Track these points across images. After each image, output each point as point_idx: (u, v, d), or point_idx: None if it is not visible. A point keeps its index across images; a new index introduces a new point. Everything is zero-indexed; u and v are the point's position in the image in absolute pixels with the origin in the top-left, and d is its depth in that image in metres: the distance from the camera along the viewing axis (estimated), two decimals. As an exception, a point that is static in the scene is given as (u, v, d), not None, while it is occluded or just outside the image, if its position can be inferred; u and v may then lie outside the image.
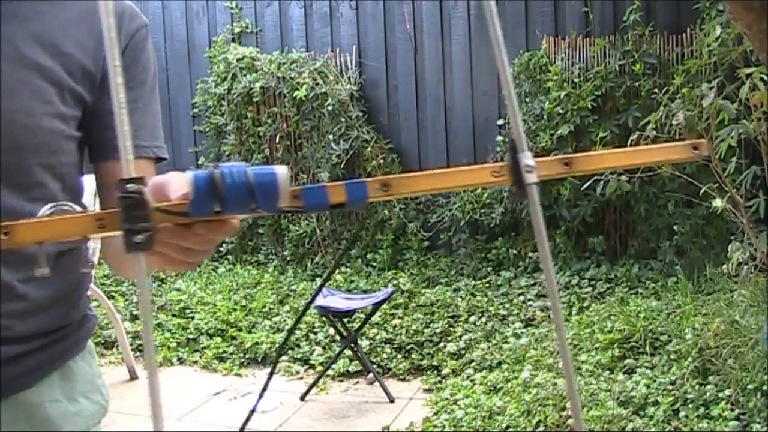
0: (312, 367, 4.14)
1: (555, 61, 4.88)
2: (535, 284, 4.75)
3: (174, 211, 0.62)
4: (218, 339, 4.46)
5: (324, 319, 4.18)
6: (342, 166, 5.32)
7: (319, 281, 5.08)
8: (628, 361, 3.52)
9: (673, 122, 3.71)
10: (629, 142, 4.10)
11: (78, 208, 0.75)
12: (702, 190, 3.88)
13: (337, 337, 4.07)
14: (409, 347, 4.17)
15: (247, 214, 0.64)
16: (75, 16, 1.05)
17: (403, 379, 3.97)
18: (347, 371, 4.02)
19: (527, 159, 0.58)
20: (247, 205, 0.62)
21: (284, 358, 4.26)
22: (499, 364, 3.78)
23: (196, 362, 4.31)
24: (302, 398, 3.78)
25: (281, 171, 0.63)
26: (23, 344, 1.04)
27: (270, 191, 0.62)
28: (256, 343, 4.34)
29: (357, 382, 3.96)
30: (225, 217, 0.67)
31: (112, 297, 4.88)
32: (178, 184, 0.68)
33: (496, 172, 0.60)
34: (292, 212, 0.63)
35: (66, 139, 1.04)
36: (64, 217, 0.60)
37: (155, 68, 1.15)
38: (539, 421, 3.11)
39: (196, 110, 6.03)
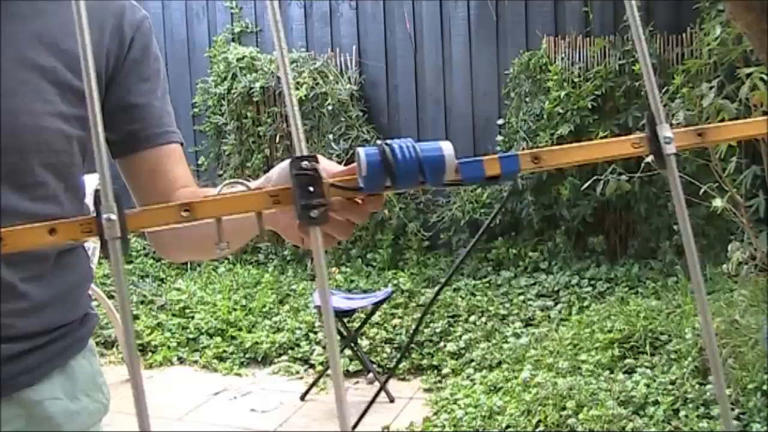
0: (312, 367, 4.14)
1: (555, 61, 4.88)
2: (535, 284, 4.75)
3: (347, 186, 0.66)
4: (218, 339, 4.46)
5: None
6: (342, 166, 5.30)
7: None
8: (628, 360, 3.52)
9: (673, 122, 3.71)
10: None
11: (252, 185, 0.78)
12: (702, 190, 3.88)
13: (337, 337, 4.07)
14: (409, 347, 4.17)
15: (412, 189, 0.67)
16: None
17: (403, 379, 3.97)
18: (347, 371, 4.02)
19: (666, 131, 0.61)
20: (416, 180, 0.65)
21: (284, 357, 4.26)
22: (499, 363, 3.78)
23: (196, 362, 4.31)
24: (302, 398, 3.78)
25: (447, 147, 0.66)
26: (24, 342, 1.04)
27: (438, 166, 0.65)
28: (256, 343, 4.34)
29: (357, 382, 3.96)
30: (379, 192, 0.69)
31: (112, 297, 4.87)
32: (330, 163, 0.74)
33: (636, 143, 0.64)
34: (452, 185, 0.66)
35: (68, 139, 1.04)
36: (242, 194, 0.63)
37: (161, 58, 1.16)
38: (539, 421, 3.11)
39: (196, 110, 6.03)
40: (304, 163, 0.59)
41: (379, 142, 0.65)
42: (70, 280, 1.09)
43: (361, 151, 0.64)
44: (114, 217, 0.55)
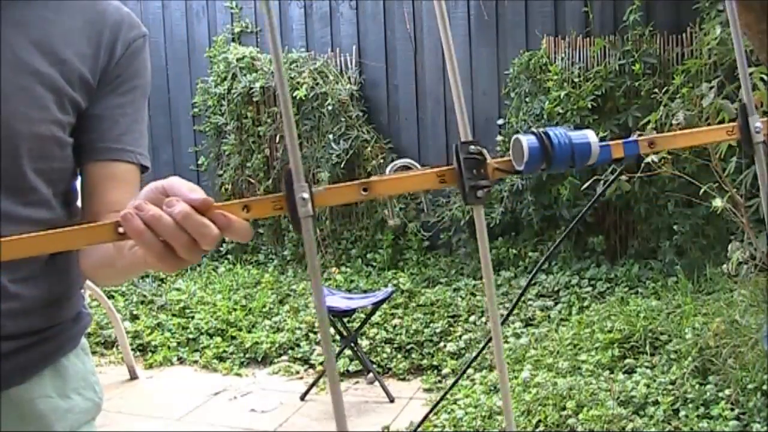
0: (312, 367, 4.14)
1: (555, 61, 4.88)
2: (535, 284, 4.74)
3: (508, 169, 0.71)
4: (218, 339, 4.45)
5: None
6: (342, 165, 5.31)
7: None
8: (628, 361, 3.52)
9: (673, 122, 3.71)
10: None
11: (419, 166, 0.82)
12: (702, 190, 3.88)
13: (337, 337, 4.07)
14: (409, 347, 4.17)
15: (562, 171, 0.74)
16: (76, 26, 1.05)
17: (403, 379, 3.97)
18: (347, 371, 4.02)
19: (756, 121, 0.69)
20: (568, 165, 0.72)
21: (284, 357, 4.26)
22: (499, 363, 3.78)
23: (196, 362, 4.31)
24: (302, 398, 3.78)
25: (592, 135, 0.73)
26: (15, 342, 1.04)
27: (586, 153, 0.72)
28: (256, 343, 4.34)
29: (357, 382, 3.96)
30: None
31: (112, 297, 4.88)
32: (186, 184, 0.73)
33: (729, 131, 0.73)
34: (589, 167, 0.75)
35: (61, 145, 1.04)
36: (412, 174, 0.68)
37: (149, 77, 1.15)
38: (539, 421, 3.10)
39: (196, 110, 6.03)
40: (471, 147, 0.65)
41: (534, 130, 0.70)
42: (62, 282, 1.10)
43: (523, 138, 0.69)
44: (307, 195, 0.59)
